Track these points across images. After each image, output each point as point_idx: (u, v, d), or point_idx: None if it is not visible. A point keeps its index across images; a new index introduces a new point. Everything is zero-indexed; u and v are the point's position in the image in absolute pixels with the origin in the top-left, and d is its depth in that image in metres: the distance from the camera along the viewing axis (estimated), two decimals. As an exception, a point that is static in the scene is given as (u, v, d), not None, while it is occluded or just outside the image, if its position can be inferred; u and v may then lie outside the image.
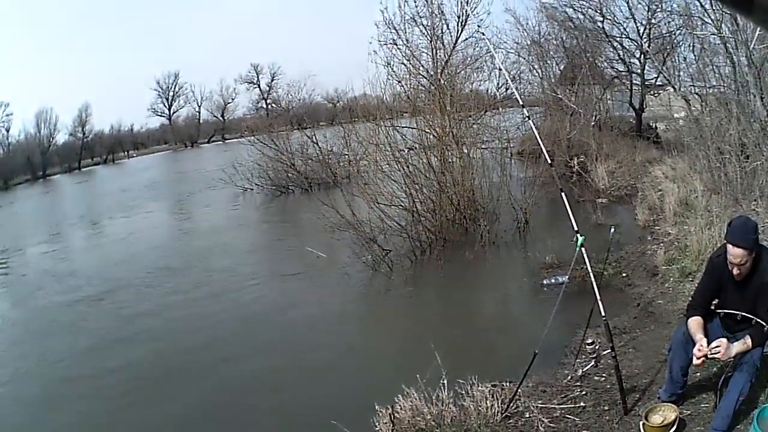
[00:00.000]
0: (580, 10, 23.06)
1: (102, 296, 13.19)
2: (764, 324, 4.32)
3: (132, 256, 17.29)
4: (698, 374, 5.36)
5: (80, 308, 12.62)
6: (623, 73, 23.28)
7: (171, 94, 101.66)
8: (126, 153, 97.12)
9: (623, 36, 22.38)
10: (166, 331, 10.47)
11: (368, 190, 13.40)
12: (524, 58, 23.81)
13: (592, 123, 19.77)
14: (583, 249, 5.70)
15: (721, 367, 4.99)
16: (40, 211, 38.50)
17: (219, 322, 10.58)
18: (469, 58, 16.89)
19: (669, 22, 20.08)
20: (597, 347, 6.07)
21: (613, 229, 7.22)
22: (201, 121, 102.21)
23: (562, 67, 24.49)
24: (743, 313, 4.52)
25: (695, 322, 4.61)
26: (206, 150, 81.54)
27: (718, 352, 4.29)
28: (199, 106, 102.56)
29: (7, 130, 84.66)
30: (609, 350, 5.51)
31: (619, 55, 23.02)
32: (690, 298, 5.02)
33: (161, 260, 16.09)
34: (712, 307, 4.79)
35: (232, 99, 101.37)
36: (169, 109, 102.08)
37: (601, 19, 22.39)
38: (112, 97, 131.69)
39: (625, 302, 8.41)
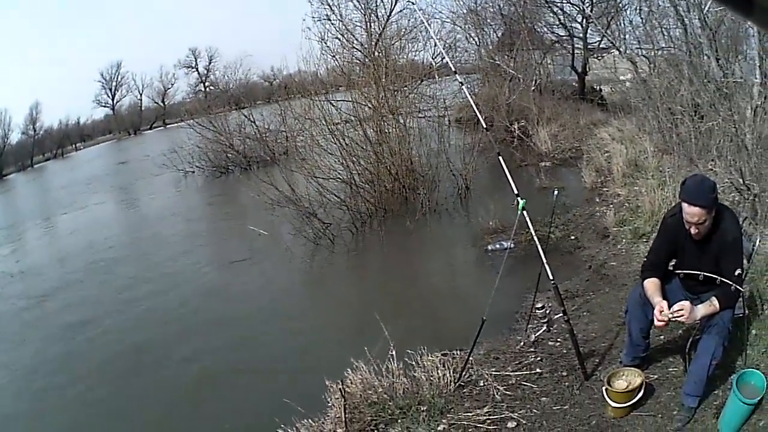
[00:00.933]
0: None
1: (45, 294, 12.33)
2: (731, 284, 3.85)
3: (76, 251, 16.31)
4: (662, 337, 4.94)
5: (25, 309, 11.80)
6: (564, 37, 22.87)
7: (114, 84, 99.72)
8: (74, 146, 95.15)
9: (564, 1, 22.00)
10: (109, 324, 9.69)
11: (306, 165, 12.93)
12: (460, 27, 23.07)
13: (533, 88, 19.27)
14: (525, 212, 5.28)
15: (687, 330, 4.57)
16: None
17: (163, 309, 9.97)
18: (403, 30, 16.46)
19: None
20: (548, 312, 5.69)
21: (556, 192, 6.73)
22: (143, 109, 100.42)
23: (500, 34, 23.82)
24: (706, 273, 4.06)
25: (652, 284, 4.14)
26: (149, 137, 79.99)
27: (681, 315, 3.83)
28: (141, 94, 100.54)
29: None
30: (561, 314, 5.06)
31: (559, 20, 22.56)
32: (644, 259, 4.56)
33: (106, 252, 15.24)
34: (670, 268, 4.35)
35: (172, 84, 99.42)
36: (113, 99, 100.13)
37: None
38: (61, 92, 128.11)
39: (575, 265, 7.99)
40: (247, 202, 16.48)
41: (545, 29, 23.21)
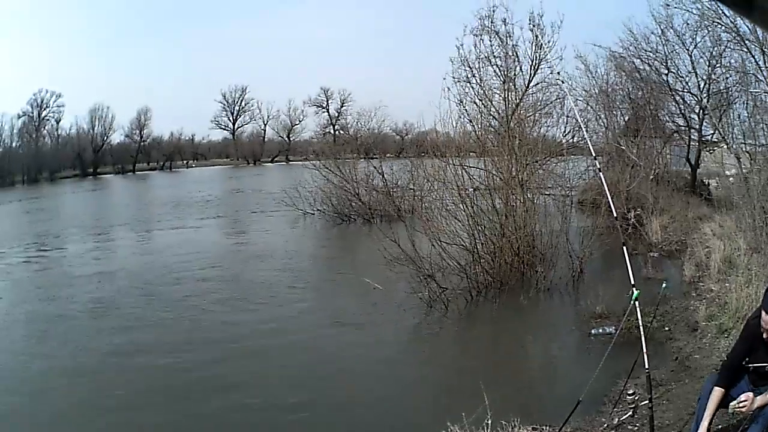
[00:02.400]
0: (647, 61, 24.30)
1: (124, 307, 13.91)
2: None
3: (179, 268, 18.06)
4: (720, 426, 5.83)
5: (97, 318, 13.33)
6: (683, 127, 24.08)
7: (236, 108, 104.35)
8: (185, 162, 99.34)
9: (685, 90, 23.19)
10: (210, 361, 10.50)
11: (431, 226, 13.95)
12: (591, 107, 24.71)
13: (651, 176, 20.21)
14: (636, 303, 6.34)
15: (740, 420, 5.50)
16: (95, 209, 40.92)
17: (268, 348, 11.09)
18: (539, 103, 17.31)
19: (727, 78, 20.84)
20: (636, 398, 6.64)
21: (664, 285, 7.78)
22: (266, 140, 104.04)
23: (626, 118, 25.41)
24: None
25: (715, 396, 5.16)
26: (269, 169, 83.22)
27: (744, 407, 4.86)
28: (265, 124, 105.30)
29: (57, 122, 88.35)
30: (647, 401, 6.10)
31: (680, 110, 23.80)
32: (725, 357, 5.57)
33: (213, 276, 16.98)
34: (743, 364, 5.27)
35: (300, 121, 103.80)
36: (234, 124, 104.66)
37: (666, 72, 23.38)
38: (172, 104, 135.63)
39: (664, 355, 8.96)
40: (365, 253, 17.86)
41: (667, 118, 24.64)
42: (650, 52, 23.94)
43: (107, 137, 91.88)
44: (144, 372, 10.00)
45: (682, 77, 23.01)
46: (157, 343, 11.47)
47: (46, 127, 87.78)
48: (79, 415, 8.55)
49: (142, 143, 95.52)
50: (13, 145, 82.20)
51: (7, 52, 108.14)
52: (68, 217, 34.45)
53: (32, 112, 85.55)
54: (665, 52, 23.22)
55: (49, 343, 11.75)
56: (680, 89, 23.32)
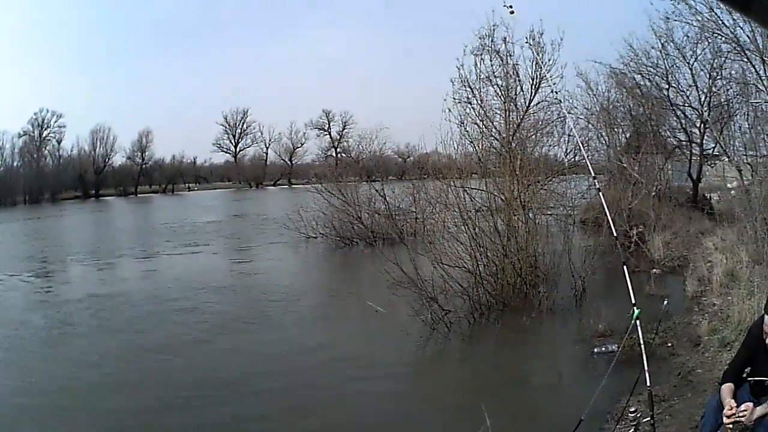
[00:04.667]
0: (647, 76, 24.88)
1: (132, 335, 13.92)
2: None
3: (182, 292, 18.29)
4: None
5: (106, 343, 13.45)
6: (684, 142, 24.64)
7: (238, 131, 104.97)
8: (186, 185, 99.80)
9: (686, 105, 23.73)
10: (212, 381, 10.69)
11: (433, 249, 14.12)
12: (593, 125, 24.83)
13: (653, 193, 20.44)
14: (637, 321, 6.48)
15: (742, 430, 5.51)
16: (98, 231, 41.51)
17: (268, 371, 11.29)
18: (540, 122, 17.39)
19: (727, 90, 21.33)
20: (638, 415, 6.75)
21: (666, 302, 7.93)
22: (268, 163, 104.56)
23: (627, 135, 25.79)
24: None
25: (727, 388, 5.26)
26: (271, 193, 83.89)
27: (744, 416, 4.93)
28: (267, 147, 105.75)
29: (59, 142, 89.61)
30: (649, 418, 6.23)
31: (681, 124, 24.38)
32: (726, 366, 5.68)
33: (214, 300, 17.16)
34: (744, 375, 5.37)
35: (302, 144, 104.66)
36: (235, 147, 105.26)
37: (667, 86, 23.94)
38: (174, 126, 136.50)
39: (667, 371, 9.07)
40: (367, 277, 18.03)
41: (668, 133, 25.23)
42: (651, 67, 24.55)
43: (109, 159, 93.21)
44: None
45: (683, 91, 23.59)
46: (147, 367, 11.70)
47: (47, 147, 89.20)
48: None
49: (143, 165, 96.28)
50: (14, 164, 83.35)
51: (8, 70, 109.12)
52: (76, 241, 34.48)
53: (33, 132, 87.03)
54: (666, 67, 23.81)
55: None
56: (681, 103, 23.85)
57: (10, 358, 12.62)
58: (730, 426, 5.07)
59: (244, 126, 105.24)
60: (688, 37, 22.23)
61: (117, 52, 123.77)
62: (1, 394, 10.49)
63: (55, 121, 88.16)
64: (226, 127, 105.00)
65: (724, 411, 5.01)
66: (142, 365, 11.78)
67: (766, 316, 4.99)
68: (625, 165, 21.88)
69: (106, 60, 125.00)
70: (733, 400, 5.05)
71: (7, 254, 28.83)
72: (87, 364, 11.95)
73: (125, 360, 12.08)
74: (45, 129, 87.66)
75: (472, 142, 16.36)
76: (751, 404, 4.94)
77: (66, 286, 20.77)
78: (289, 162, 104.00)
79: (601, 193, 9.39)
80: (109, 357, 12.28)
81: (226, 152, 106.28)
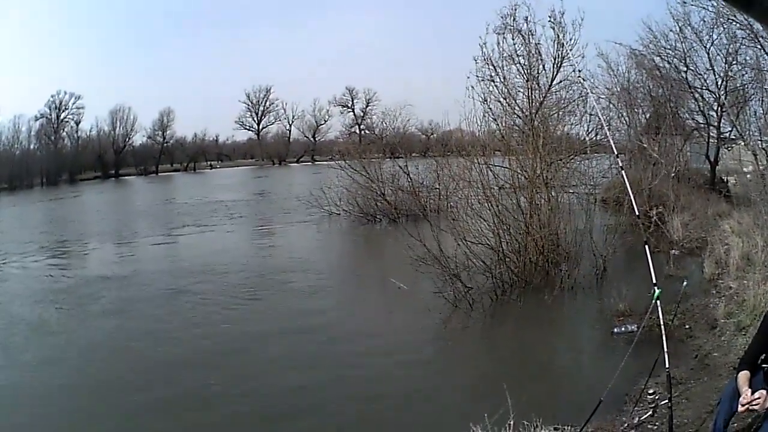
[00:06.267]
0: (666, 58, 24.59)
1: (163, 312, 14.17)
2: None
3: (206, 268, 18.62)
4: (735, 424, 5.90)
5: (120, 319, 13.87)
6: (702, 125, 24.23)
7: (261, 109, 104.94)
8: (209, 163, 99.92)
9: (703, 88, 23.36)
10: (235, 356, 11.03)
11: (457, 226, 14.16)
12: (614, 105, 24.94)
13: (672, 174, 20.38)
14: (658, 302, 6.52)
15: (755, 418, 5.63)
16: (123, 210, 42.13)
17: (291, 345, 11.48)
18: (562, 101, 17.30)
19: (743, 75, 21.05)
20: (656, 397, 6.79)
21: (685, 283, 7.93)
22: (291, 140, 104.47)
23: (647, 116, 25.71)
24: None
25: (743, 375, 5.27)
26: (295, 169, 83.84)
27: (758, 404, 4.96)
28: (290, 125, 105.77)
29: (77, 123, 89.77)
30: (666, 401, 6.27)
31: (699, 107, 24.01)
32: (743, 353, 5.70)
33: (238, 275, 17.41)
34: (759, 362, 5.40)
35: (325, 121, 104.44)
36: (258, 124, 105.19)
37: (685, 69, 23.57)
38: (195, 106, 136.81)
39: (685, 353, 9.07)
40: (390, 253, 18.13)
41: (686, 115, 24.89)
42: (669, 49, 24.22)
43: (129, 138, 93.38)
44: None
45: (701, 74, 23.23)
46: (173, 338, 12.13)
47: (66, 129, 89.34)
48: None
49: (165, 144, 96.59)
50: (31, 147, 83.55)
51: (27, 54, 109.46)
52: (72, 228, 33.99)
53: (50, 114, 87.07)
54: (683, 50, 23.45)
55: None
56: (699, 86, 23.51)
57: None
58: (743, 410, 5.09)
59: (267, 104, 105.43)
60: (704, 21, 21.98)
61: (138, 34, 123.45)
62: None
63: (74, 103, 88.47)
64: (248, 105, 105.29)
65: (740, 399, 5.04)
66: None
67: None
68: (645, 145, 21.79)
69: (126, 42, 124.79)
70: (749, 389, 5.06)
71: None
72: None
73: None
74: (63, 111, 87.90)
75: (495, 119, 16.37)
76: (764, 392, 4.94)
77: (70, 270, 20.76)
78: (312, 139, 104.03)
79: (623, 171, 9.37)
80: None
81: (248, 130, 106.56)
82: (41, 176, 79.18)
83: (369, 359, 10.66)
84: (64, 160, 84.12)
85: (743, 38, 19.82)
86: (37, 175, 78.86)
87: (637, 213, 8.34)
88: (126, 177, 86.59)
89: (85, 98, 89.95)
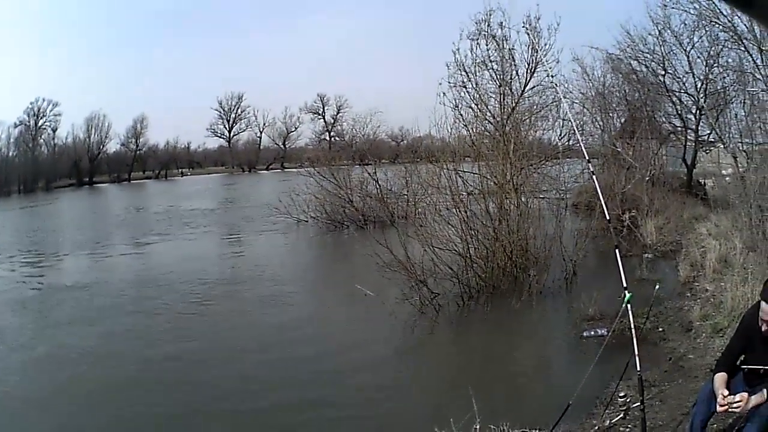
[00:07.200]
0: (644, 62, 24.77)
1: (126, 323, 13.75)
2: None
3: (172, 277, 18.30)
4: (714, 425, 5.79)
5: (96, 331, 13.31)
6: (679, 128, 24.47)
7: (233, 116, 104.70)
8: (180, 171, 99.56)
9: (682, 91, 23.52)
10: (198, 363, 10.82)
11: (424, 232, 14.00)
12: (587, 109, 25.02)
13: (647, 178, 20.41)
14: (629, 305, 6.33)
15: (736, 419, 5.48)
16: (91, 218, 41.27)
17: (254, 354, 11.24)
18: (535, 106, 17.38)
19: (724, 78, 21.22)
20: (628, 400, 6.62)
21: (657, 286, 7.81)
22: (261, 147, 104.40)
23: (622, 120, 25.80)
24: (765, 368, 4.95)
25: (720, 377, 5.09)
26: (264, 177, 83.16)
27: (739, 407, 4.78)
28: (261, 132, 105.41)
29: (54, 131, 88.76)
30: (638, 403, 6.09)
31: (676, 110, 24.18)
32: (720, 355, 5.54)
33: (204, 284, 17.01)
34: (738, 363, 5.24)
35: (296, 128, 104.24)
36: (230, 132, 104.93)
37: (663, 72, 23.76)
38: (168, 113, 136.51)
39: (658, 356, 8.94)
40: (357, 260, 17.87)
41: (663, 119, 25.08)
42: (647, 53, 24.39)
43: (103, 146, 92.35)
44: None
45: (679, 78, 23.43)
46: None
47: (43, 136, 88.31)
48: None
49: (137, 152, 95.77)
50: (10, 154, 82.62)
51: (4, 60, 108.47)
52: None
53: (29, 121, 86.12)
54: (662, 53, 23.65)
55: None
56: (677, 90, 23.67)
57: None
58: (723, 410, 4.93)
59: (239, 111, 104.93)
60: (685, 24, 22.14)
61: (113, 41, 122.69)
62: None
63: (51, 110, 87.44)
64: (220, 112, 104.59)
65: (717, 400, 4.90)
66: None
67: (762, 303, 4.83)
68: (619, 149, 21.81)
69: (102, 48, 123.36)
70: (725, 390, 4.92)
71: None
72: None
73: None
74: (41, 118, 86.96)
75: (466, 125, 16.32)
76: (746, 394, 4.80)
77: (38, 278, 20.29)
78: (282, 146, 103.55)
79: (594, 177, 9.25)
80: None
81: (220, 137, 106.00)
82: (19, 184, 78.33)
83: (332, 365, 10.45)
84: (40, 167, 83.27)
85: (726, 40, 20.00)
86: (15, 182, 77.99)
87: (608, 217, 8.14)
88: (100, 184, 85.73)
89: (62, 106, 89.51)
